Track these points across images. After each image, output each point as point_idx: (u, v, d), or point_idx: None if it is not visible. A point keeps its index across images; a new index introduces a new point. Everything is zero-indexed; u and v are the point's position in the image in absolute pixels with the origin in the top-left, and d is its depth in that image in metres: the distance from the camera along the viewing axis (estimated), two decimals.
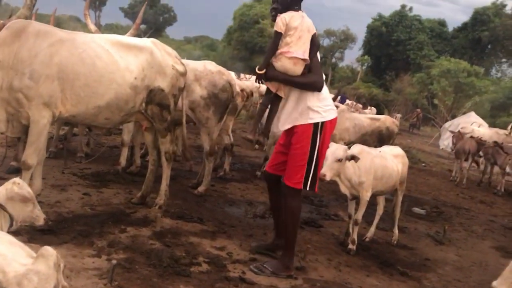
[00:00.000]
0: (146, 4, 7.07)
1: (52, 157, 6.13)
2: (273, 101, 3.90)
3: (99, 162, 6.24)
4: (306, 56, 3.70)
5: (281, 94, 3.83)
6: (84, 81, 3.91)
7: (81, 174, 5.66)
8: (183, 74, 4.63)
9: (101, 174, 5.80)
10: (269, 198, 4.38)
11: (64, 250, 3.47)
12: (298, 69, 3.70)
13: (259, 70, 3.71)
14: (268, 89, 3.89)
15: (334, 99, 8.40)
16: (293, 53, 3.65)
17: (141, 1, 59.75)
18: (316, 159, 3.82)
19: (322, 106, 3.83)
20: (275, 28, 3.66)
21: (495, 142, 10.86)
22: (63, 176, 5.47)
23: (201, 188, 5.78)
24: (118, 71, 4.07)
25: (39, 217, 2.83)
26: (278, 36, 3.66)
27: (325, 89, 3.92)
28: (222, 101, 5.64)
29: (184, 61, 5.76)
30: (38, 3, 4.30)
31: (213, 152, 5.88)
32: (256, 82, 3.92)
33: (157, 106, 4.42)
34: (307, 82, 3.76)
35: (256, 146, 9.81)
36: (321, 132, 3.81)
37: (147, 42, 4.46)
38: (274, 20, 3.76)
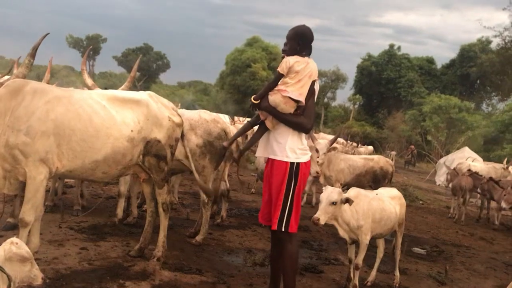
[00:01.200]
0: (138, 53, 7.20)
1: (49, 211, 6.10)
2: (260, 126, 4.08)
3: (96, 214, 6.21)
4: (301, 99, 3.83)
5: (268, 125, 3.96)
6: (80, 136, 3.96)
7: (78, 228, 5.61)
8: (180, 125, 4.71)
9: (98, 227, 5.76)
10: (271, 248, 4.33)
11: None
12: (287, 108, 3.85)
13: (254, 99, 3.91)
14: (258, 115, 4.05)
15: (334, 141, 8.44)
16: (288, 93, 3.80)
17: (134, 50, 61.04)
18: (291, 200, 3.86)
19: (301, 149, 3.96)
20: (278, 69, 3.87)
21: (490, 178, 10.92)
22: (60, 230, 5.42)
23: (198, 238, 5.74)
24: (114, 125, 4.13)
25: (37, 276, 2.81)
26: (279, 76, 3.87)
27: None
28: (217, 149, 5.68)
29: (180, 110, 5.85)
30: None
31: (210, 200, 5.87)
32: (250, 108, 4.07)
33: (154, 158, 4.47)
34: (295, 122, 3.89)
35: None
36: (297, 173, 3.88)
37: (143, 95, 4.54)
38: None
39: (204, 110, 6.11)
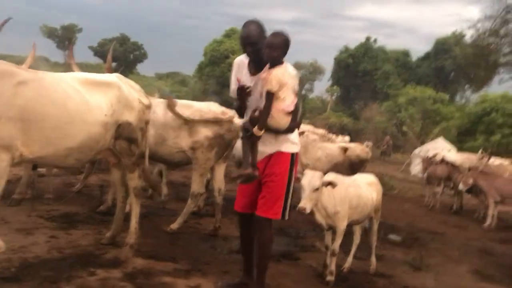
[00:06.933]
0: (114, 43, 6.97)
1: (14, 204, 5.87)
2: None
3: (68, 203, 6.04)
4: (294, 104, 3.79)
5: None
6: (54, 123, 3.77)
7: (48, 216, 5.45)
8: (149, 107, 4.63)
9: (69, 215, 5.60)
10: (240, 236, 4.26)
11: None
12: (287, 121, 3.78)
13: (259, 130, 3.67)
14: (246, 129, 3.81)
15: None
16: (289, 107, 3.72)
17: (111, 40, 59.92)
18: (291, 189, 3.90)
19: (296, 138, 3.98)
20: (271, 88, 3.62)
21: (449, 162, 11.25)
22: (29, 219, 5.24)
23: (174, 226, 5.63)
24: (89, 110, 3.97)
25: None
26: (273, 95, 3.65)
27: None
28: (226, 142, 5.60)
29: (189, 102, 5.76)
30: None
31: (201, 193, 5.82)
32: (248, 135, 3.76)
33: (125, 141, 4.34)
34: (287, 129, 3.85)
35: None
36: (295, 162, 3.91)
37: (113, 77, 4.41)
38: (250, 56, 3.81)
39: (212, 103, 5.99)
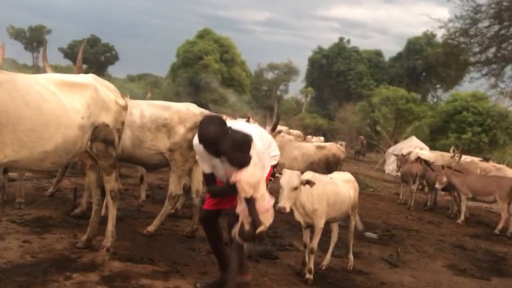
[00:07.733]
0: (85, 45, 6.84)
1: None
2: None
3: (41, 207, 5.88)
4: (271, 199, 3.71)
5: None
6: (29, 126, 3.67)
7: (21, 221, 5.30)
8: (125, 108, 4.56)
9: (42, 220, 5.46)
10: (207, 235, 4.25)
11: None
12: (273, 215, 3.73)
13: (262, 230, 3.55)
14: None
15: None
16: (269, 202, 3.64)
17: (81, 41, 58.90)
18: None
19: (276, 151, 4.09)
20: (245, 196, 3.50)
21: (425, 160, 11.59)
22: (0, 224, 5.10)
23: (151, 228, 5.55)
24: (65, 113, 3.89)
25: None
26: (252, 199, 3.53)
27: (267, 135, 4.13)
28: None
29: (167, 103, 5.70)
30: None
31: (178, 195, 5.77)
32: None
33: (102, 143, 4.28)
34: None
35: None
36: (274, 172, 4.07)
37: (89, 78, 4.32)
38: (212, 154, 3.69)
39: (190, 103, 5.95)
